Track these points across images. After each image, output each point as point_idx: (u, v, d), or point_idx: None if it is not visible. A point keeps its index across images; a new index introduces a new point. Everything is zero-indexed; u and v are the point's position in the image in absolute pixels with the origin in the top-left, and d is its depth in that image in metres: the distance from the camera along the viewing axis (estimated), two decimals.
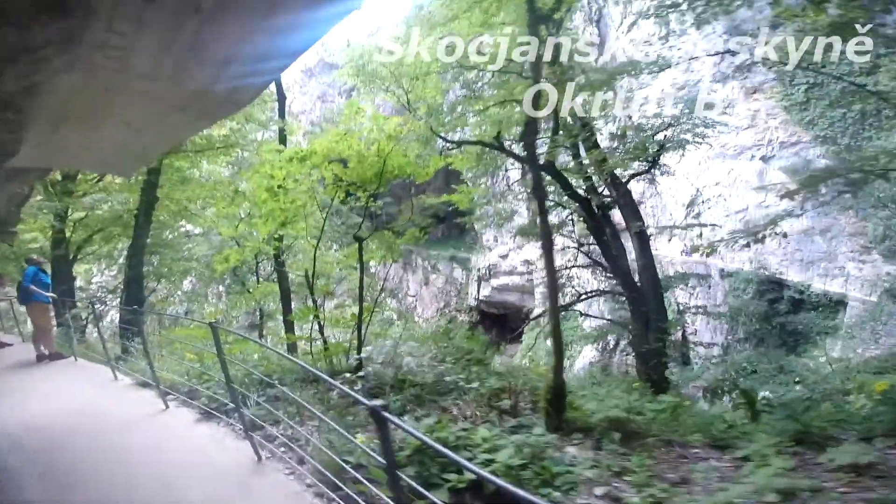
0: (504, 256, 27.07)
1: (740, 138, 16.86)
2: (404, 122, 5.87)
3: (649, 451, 3.29)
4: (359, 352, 5.79)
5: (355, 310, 6.78)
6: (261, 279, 20.99)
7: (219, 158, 15.63)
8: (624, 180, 10.15)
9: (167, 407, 5.08)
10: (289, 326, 9.59)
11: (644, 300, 10.07)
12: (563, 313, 17.97)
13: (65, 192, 12.33)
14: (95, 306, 8.77)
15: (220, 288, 25.78)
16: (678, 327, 11.59)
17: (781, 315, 14.24)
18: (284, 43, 3.04)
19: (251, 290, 18.44)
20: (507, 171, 24.02)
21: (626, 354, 17.00)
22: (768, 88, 17.67)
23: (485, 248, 28.53)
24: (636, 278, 9.95)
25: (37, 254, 14.22)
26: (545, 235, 4.21)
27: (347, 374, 5.02)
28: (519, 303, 26.37)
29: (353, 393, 2.37)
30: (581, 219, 10.57)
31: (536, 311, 23.92)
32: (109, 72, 2.75)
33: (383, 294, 28.24)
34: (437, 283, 29.98)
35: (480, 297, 28.02)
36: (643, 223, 10.64)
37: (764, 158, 16.95)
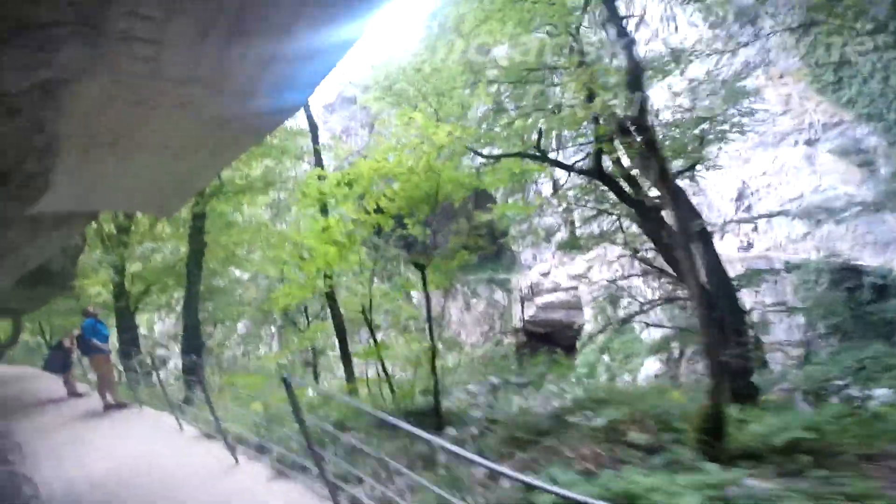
0: (545, 274, 26.07)
1: (778, 125, 15.65)
2: (453, 130, 5.31)
3: (857, 471, 2.47)
4: (436, 395, 5.05)
5: (404, 343, 6.28)
6: (310, 317, 20.84)
7: (258, 199, 15.68)
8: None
9: (237, 462, 4.55)
10: (347, 364, 9.04)
11: (715, 303, 9.05)
12: (617, 326, 16.75)
13: (120, 244, 12.48)
14: (155, 355, 8.53)
15: (272, 329, 25.86)
16: (757, 329, 10.38)
17: (865, 304, 12.68)
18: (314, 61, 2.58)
19: (302, 330, 18.13)
20: (538, 185, 23.27)
21: (693, 363, 15.61)
22: (795, 71, 16.51)
23: (524, 267, 27.58)
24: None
25: (100, 306, 14.49)
26: (685, 237, 3.50)
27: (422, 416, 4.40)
28: (566, 319, 25.14)
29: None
30: (634, 224, 9.73)
31: (588, 327, 22.65)
32: (138, 77, 2.31)
33: (438, 326, 27.59)
34: (479, 308, 29.05)
35: (525, 318, 26.90)
36: (703, 221, 9.67)
37: (809, 142, 15.64)
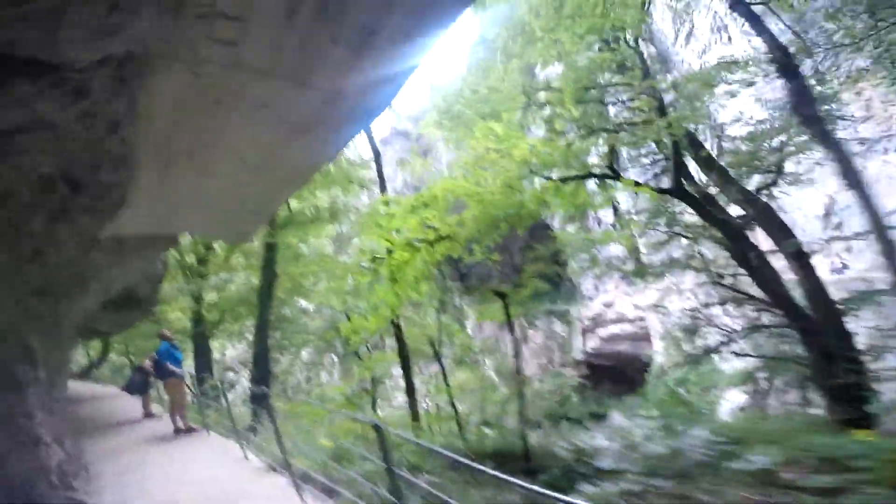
0: (609, 305, 24.59)
1: (861, 132, 14.00)
2: (537, 145, 4.79)
3: None
4: (524, 433, 4.34)
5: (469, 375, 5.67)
6: (370, 347, 20.65)
7: (323, 230, 15.86)
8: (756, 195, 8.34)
9: (302, 500, 4.07)
10: (411, 396, 8.51)
11: (816, 329, 7.82)
12: (700, 356, 15.20)
13: (199, 275, 12.85)
14: (224, 382, 8.35)
15: (334, 357, 25.95)
16: (874, 354, 8.79)
17: None
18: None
19: (363, 359, 17.84)
20: (598, 213, 22.26)
21: (785, 394, 13.75)
22: (870, 75, 14.87)
23: (585, 297, 26.21)
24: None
25: (178, 332, 14.93)
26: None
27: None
28: (633, 351, 23.43)
29: None
30: (711, 248, 8.73)
31: (659, 359, 20.93)
32: (218, 67, 1.99)
33: (496, 358, 26.71)
34: (537, 339, 27.79)
35: (587, 350, 25.38)
36: (797, 240, 8.52)
37: None
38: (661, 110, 8.13)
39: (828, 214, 15.29)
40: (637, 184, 8.50)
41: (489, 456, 4.53)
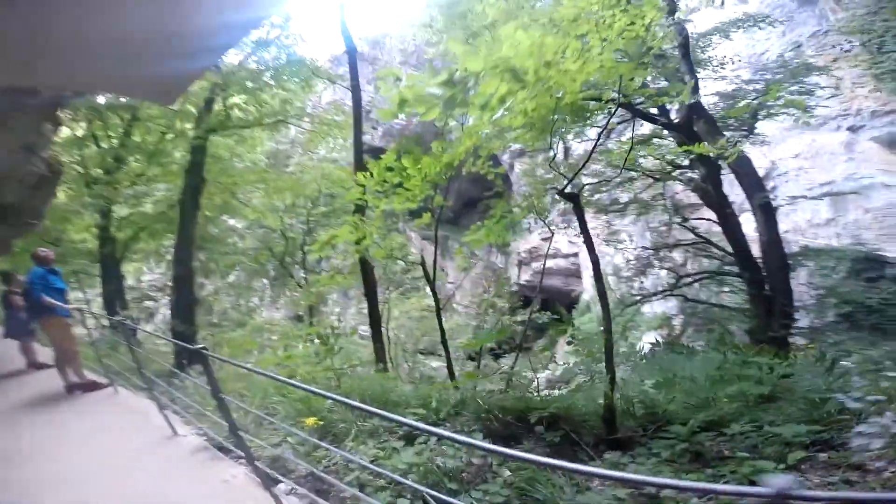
0: (546, 239, 24.89)
1: (823, 108, 14.48)
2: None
3: None
4: (612, 388, 3.51)
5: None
6: (307, 270, 19.49)
7: (265, 136, 13.98)
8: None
9: None
10: (376, 331, 7.60)
11: (766, 282, 8.01)
12: (644, 300, 15.78)
13: (107, 185, 10.68)
14: (129, 323, 5.71)
15: (265, 281, 24.27)
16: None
17: (884, 296, 11.82)
18: None
19: (301, 285, 16.69)
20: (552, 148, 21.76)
21: (694, 341, 14.80)
22: (852, 57, 15.32)
23: (524, 231, 26.38)
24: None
25: (85, 256, 12.69)
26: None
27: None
28: (564, 287, 24.27)
29: None
30: (697, 192, 8.46)
31: (586, 296, 21.78)
32: None
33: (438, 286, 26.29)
34: (476, 269, 27.94)
35: (522, 282, 25.97)
36: (767, 194, 8.45)
37: (852, 129, 14.55)
38: (686, 47, 7.48)
39: (766, 178, 15.86)
40: (647, 116, 7.75)
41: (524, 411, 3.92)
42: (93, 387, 5.34)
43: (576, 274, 23.04)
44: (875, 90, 14.09)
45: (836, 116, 14.43)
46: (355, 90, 8.31)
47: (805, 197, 12.79)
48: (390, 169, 4.86)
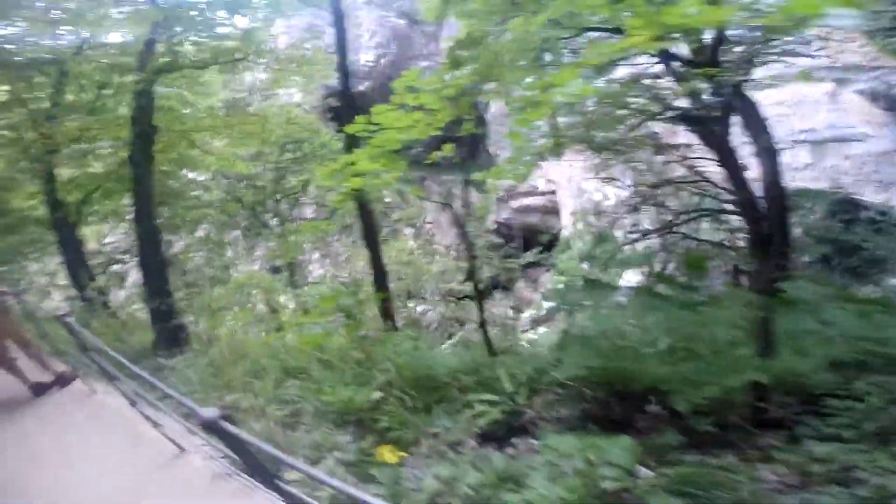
0: (519, 175, 24.33)
1: (810, 59, 14.22)
2: None
3: None
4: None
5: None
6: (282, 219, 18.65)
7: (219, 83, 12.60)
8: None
9: None
10: (380, 277, 6.83)
11: (764, 222, 7.79)
12: (595, 232, 15.74)
13: (43, 146, 9.46)
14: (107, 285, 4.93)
15: (237, 233, 23.11)
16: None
17: (857, 238, 12.08)
18: None
19: (280, 235, 15.96)
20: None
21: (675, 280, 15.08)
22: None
23: (501, 166, 25.62)
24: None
25: (37, 224, 11.49)
26: None
27: None
28: (541, 224, 24.10)
29: None
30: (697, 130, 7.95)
31: (565, 233, 21.72)
32: None
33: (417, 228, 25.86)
34: (454, 209, 27.38)
35: (500, 220, 25.68)
36: (770, 137, 8.06)
37: (838, 81, 14.49)
38: None
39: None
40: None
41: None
42: (66, 380, 4.59)
43: (553, 211, 22.84)
44: (865, 45, 14.19)
45: (822, 67, 14.23)
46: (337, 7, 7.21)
47: (790, 143, 12.68)
48: (413, 90, 4.11)
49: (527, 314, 22.06)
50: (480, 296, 5.91)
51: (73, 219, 11.23)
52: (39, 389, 4.45)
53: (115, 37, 10.11)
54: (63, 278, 12.42)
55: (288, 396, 4.14)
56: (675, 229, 11.29)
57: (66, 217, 10.90)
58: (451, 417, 3.54)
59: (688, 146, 10.64)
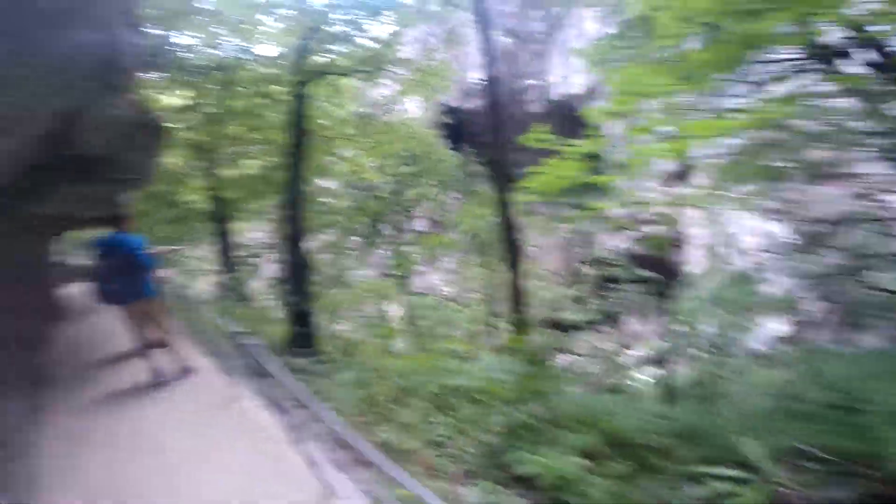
0: (644, 203, 21.94)
1: None
2: None
3: None
4: None
5: None
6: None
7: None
8: None
9: None
10: (518, 302, 5.92)
11: None
12: (731, 271, 13.21)
13: (210, 149, 10.14)
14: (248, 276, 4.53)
15: (354, 240, 23.76)
16: None
17: None
18: None
19: (400, 243, 15.72)
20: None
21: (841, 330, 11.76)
22: None
23: (619, 193, 23.37)
24: None
25: (199, 215, 12.34)
26: None
27: None
28: (662, 256, 21.36)
29: None
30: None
31: (691, 267, 18.91)
32: None
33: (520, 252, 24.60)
34: (561, 233, 25.59)
35: (615, 249, 23.30)
36: None
37: None
38: None
39: None
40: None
41: None
42: (188, 371, 4.20)
43: (677, 244, 20.12)
44: None
45: None
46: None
47: None
48: None
49: (635, 352, 19.50)
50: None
51: (227, 214, 11.94)
52: (164, 378, 4.06)
53: (268, 48, 10.70)
54: (212, 265, 13.31)
55: (440, 437, 3.18)
56: (851, 274, 8.72)
57: (223, 212, 11.62)
58: (673, 494, 2.37)
59: (868, 176, 8.01)
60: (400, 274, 18.10)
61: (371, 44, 10.23)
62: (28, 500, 2.26)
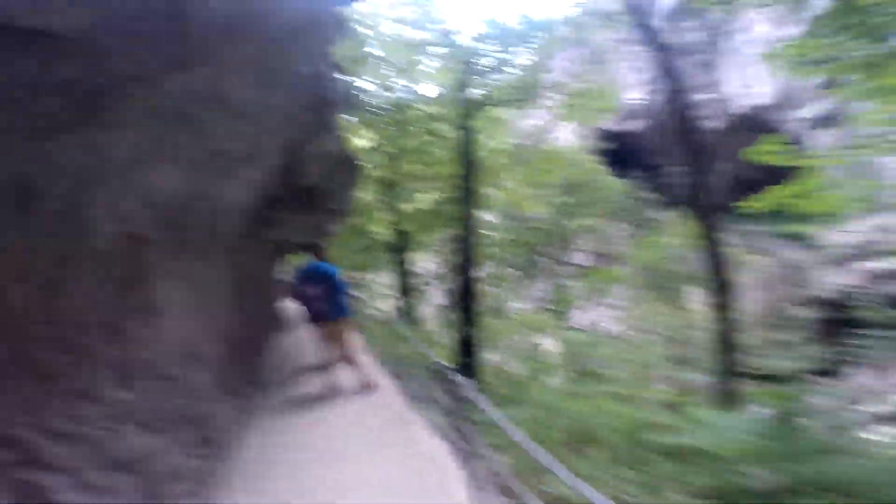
0: (883, 229, 16.75)
1: None
2: None
3: None
4: None
5: None
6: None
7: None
8: None
9: None
10: (728, 347, 4.99)
11: None
12: None
13: (391, 184, 11.32)
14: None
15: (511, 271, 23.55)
16: None
17: None
18: None
19: (565, 276, 14.95)
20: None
21: None
22: None
23: (841, 217, 18.39)
24: None
25: (381, 246, 13.86)
26: None
27: None
28: None
29: None
30: None
31: None
32: None
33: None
34: (762, 268, 21.07)
35: (839, 287, 18.20)
36: None
37: None
38: None
39: None
40: None
41: None
42: (368, 387, 4.39)
43: None
44: None
45: None
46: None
47: None
48: None
49: (868, 408, 14.56)
50: None
51: (405, 245, 13.16)
52: (349, 391, 4.30)
53: (429, 88, 11.59)
54: (391, 290, 14.69)
55: (629, 495, 2.55)
56: None
57: (401, 243, 12.86)
58: None
59: None
60: (558, 308, 17.16)
61: (521, 71, 10.24)
62: (224, 499, 2.43)
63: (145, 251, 2.11)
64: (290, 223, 4.45)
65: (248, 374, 4.08)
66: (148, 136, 1.78)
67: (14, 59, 1.09)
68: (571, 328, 16.48)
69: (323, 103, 3.01)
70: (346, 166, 4.48)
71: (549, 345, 15.30)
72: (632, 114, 21.00)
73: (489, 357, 10.13)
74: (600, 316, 20.85)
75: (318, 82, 2.81)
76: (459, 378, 2.30)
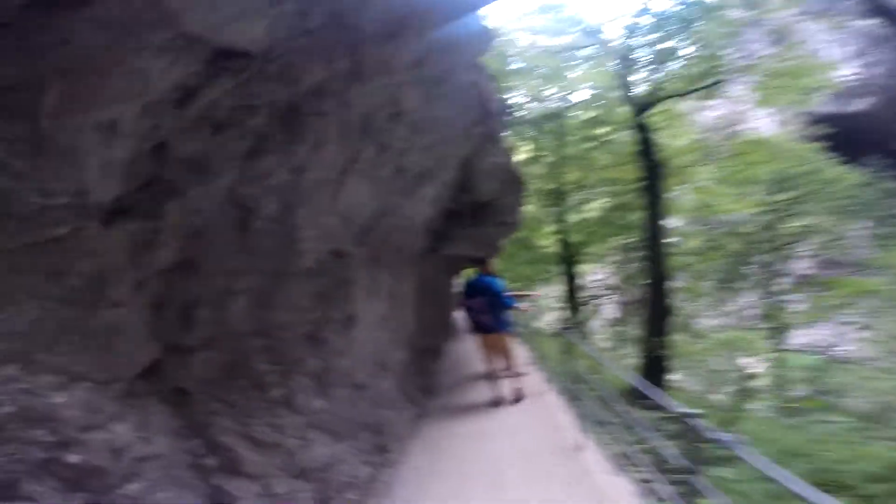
0: None
1: None
2: None
3: None
4: None
5: None
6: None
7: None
8: None
9: None
10: None
11: None
12: None
13: (556, 195, 10.83)
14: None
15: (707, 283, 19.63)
16: None
17: None
18: None
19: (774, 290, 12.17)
20: None
21: None
22: None
23: None
24: None
25: (549, 258, 13.38)
26: None
27: None
28: None
29: None
30: None
31: None
32: None
33: None
34: None
35: None
36: None
37: None
38: None
39: None
40: None
41: None
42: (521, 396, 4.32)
43: None
44: None
45: None
46: None
47: None
48: None
49: None
50: None
51: (573, 256, 12.41)
52: (508, 402, 4.29)
53: (582, 93, 10.55)
54: (559, 303, 13.98)
55: None
56: None
57: (569, 254, 12.16)
58: None
59: None
60: (772, 325, 13.67)
61: (693, 59, 8.56)
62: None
63: (346, 266, 2.30)
64: (463, 237, 4.51)
65: (424, 381, 4.24)
66: (342, 153, 1.90)
67: (217, 80, 1.23)
68: (790, 349, 13.10)
69: (488, 115, 2.92)
70: (514, 179, 4.33)
71: (753, 367, 12.39)
72: (853, 92, 15.86)
73: (674, 378, 8.64)
74: (831, 334, 15.90)
75: (480, 94, 2.73)
76: (683, 409, 1.78)
